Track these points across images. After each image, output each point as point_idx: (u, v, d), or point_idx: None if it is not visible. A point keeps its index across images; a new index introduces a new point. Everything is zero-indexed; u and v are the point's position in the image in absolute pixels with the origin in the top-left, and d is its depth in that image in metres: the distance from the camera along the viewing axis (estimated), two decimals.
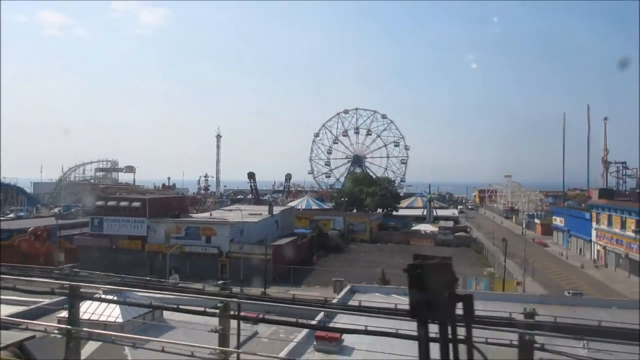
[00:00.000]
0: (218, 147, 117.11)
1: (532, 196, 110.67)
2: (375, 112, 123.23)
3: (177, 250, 44.71)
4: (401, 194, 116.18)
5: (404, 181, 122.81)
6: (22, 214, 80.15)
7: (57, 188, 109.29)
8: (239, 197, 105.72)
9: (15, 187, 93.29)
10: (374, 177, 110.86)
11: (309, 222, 67.91)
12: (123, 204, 48.94)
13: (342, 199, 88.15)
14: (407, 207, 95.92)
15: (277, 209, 59.29)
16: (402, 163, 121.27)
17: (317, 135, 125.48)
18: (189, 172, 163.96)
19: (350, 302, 19.06)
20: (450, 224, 76.31)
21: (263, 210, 58.62)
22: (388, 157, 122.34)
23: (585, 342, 6.54)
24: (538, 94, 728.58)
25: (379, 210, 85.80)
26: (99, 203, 49.18)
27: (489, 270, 50.02)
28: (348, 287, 20.50)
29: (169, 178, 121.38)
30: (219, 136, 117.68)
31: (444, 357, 2.47)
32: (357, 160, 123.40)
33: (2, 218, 66.00)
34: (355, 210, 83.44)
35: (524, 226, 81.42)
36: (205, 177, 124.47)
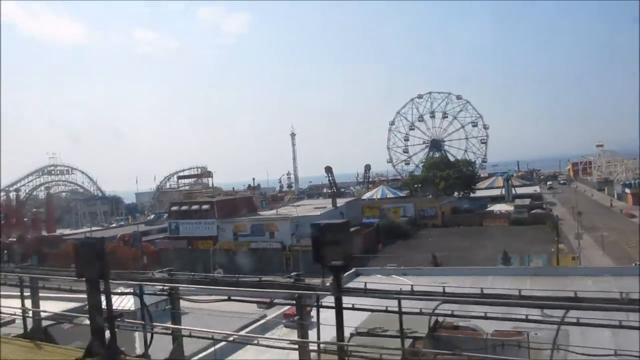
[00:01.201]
0: (293, 145, 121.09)
1: (629, 165, 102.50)
2: (450, 93, 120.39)
3: (243, 248, 47.99)
4: (483, 175, 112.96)
5: (485, 161, 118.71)
6: (122, 222, 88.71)
7: (154, 197, 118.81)
8: (317, 192, 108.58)
9: (116, 198, 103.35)
10: (452, 160, 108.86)
11: (379, 212, 68.76)
12: (194, 207, 53.07)
13: (416, 185, 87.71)
14: (487, 188, 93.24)
15: (342, 201, 60.81)
16: (482, 143, 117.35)
17: (392, 123, 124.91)
18: (274, 171, 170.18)
19: (351, 284, 20.18)
20: (527, 201, 73.27)
21: (333, 202, 60.36)
22: (467, 138, 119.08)
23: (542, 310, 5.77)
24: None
25: (456, 193, 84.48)
26: (174, 208, 53.73)
27: (558, 247, 48.00)
28: (352, 270, 21.56)
29: (253, 179, 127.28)
30: (293, 134, 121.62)
31: None
32: (435, 144, 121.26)
33: (106, 226, 73.98)
34: (430, 196, 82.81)
35: (614, 197, 76.11)
36: (287, 175, 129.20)
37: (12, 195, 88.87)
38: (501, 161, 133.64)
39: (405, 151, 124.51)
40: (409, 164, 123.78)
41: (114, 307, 7.42)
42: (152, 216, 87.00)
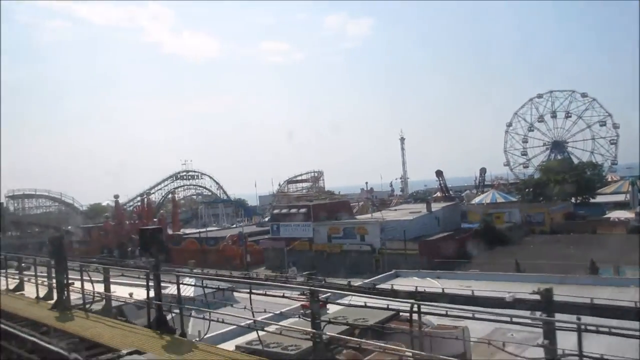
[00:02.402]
0: (403, 149, 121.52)
1: None
2: (574, 91, 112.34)
3: (336, 249, 50.74)
4: (614, 178, 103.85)
5: (615, 163, 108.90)
6: (241, 224, 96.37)
7: (273, 200, 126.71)
8: (424, 196, 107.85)
9: (240, 201, 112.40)
10: (575, 162, 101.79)
11: (482, 217, 67.29)
12: (293, 210, 56.95)
13: (527, 190, 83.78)
14: (612, 193, 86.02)
15: (437, 206, 60.93)
16: (612, 144, 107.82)
17: (509, 124, 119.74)
18: (388, 175, 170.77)
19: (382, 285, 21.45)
20: None
21: (428, 208, 60.81)
22: (593, 138, 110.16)
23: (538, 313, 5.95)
24: None
25: (573, 198, 79.32)
26: (275, 211, 58.12)
27: None
28: (392, 271, 23.04)
29: (366, 183, 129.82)
30: (402, 139, 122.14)
31: None
32: (557, 146, 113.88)
33: (224, 227, 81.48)
34: (542, 200, 78.76)
35: None
36: (401, 178, 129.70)
37: (153, 198, 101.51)
38: (634, 163, 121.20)
39: (524, 154, 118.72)
40: (527, 167, 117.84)
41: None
42: (267, 218, 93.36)
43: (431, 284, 21.74)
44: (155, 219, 71.74)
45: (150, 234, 8.56)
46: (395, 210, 63.72)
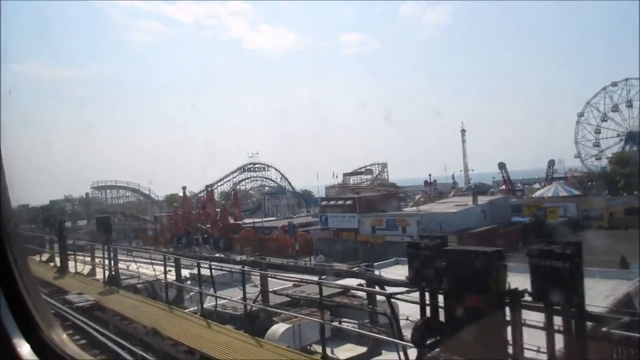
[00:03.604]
0: (464, 141, 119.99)
1: None
2: None
3: (379, 240, 52.84)
4: None
5: None
6: (303, 214, 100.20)
7: (338, 192, 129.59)
8: (484, 188, 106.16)
9: (301, 192, 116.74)
10: None
11: (536, 210, 66.37)
12: (340, 202, 59.48)
13: (590, 183, 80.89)
14: None
15: (484, 199, 61.13)
16: None
17: (581, 114, 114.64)
18: (453, 167, 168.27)
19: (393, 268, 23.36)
20: None
21: (474, 200, 61.20)
22: None
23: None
24: None
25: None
26: (323, 203, 60.93)
27: None
28: (393, 259, 25.01)
29: (429, 175, 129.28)
30: (463, 131, 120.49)
31: None
32: (632, 137, 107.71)
33: (279, 216, 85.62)
34: (607, 194, 75.98)
35: None
36: (461, 171, 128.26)
37: (223, 189, 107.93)
38: None
39: (596, 145, 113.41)
40: (600, 159, 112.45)
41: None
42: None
43: None
44: (218, 210, 76.95)
45: (104, 221, 11.49)
46: (443, 203, 64.45)
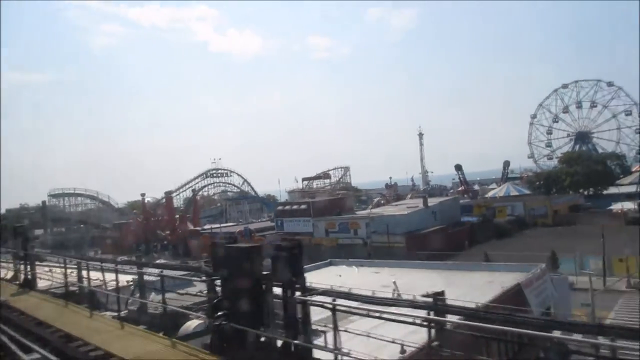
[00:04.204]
0: (421, 144, 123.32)
1: None
2: (599, 80, 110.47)
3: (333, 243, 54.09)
4: (639, 168, 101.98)
5: None
6: (264, 219, 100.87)
7: (299, 197, 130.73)
8: (439, 191, 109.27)
9: (263, 197, 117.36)
10: (600, 153, 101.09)
11: (486, 210, 68.89)
12: (295, 207, 60.63)
13: (538, 183, 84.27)
14: (630, 184, 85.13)
15: (434, 200, 63.13)
16: (638, 133, 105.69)
17: (534, 116, 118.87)
18: (413, 170, 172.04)
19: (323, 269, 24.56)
20: None
21: (424, 202, 63.14)
22: (619, 128, 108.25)
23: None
24: None
25: (587, 191, 79.55)
26: (279, 207, 61.96)
27: None
28: (327, 261, 26.29)
29: (390, 178, 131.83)
30: (420, 134, 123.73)
31: None
32: (582, 137, 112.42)
33: (241, 222, 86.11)
34: (554, 193, 79.34)
35: None
36: (425, 173, 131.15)
37: (185, 195, 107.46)
38: None
39: (548, 145, 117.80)
40: (552, 158, 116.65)
41: None
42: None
43: (349, 272, 24.90)
44: (177, 216, 77.07)
45: (21, 230, 12.34)
46: (397, 205, 66.27)
